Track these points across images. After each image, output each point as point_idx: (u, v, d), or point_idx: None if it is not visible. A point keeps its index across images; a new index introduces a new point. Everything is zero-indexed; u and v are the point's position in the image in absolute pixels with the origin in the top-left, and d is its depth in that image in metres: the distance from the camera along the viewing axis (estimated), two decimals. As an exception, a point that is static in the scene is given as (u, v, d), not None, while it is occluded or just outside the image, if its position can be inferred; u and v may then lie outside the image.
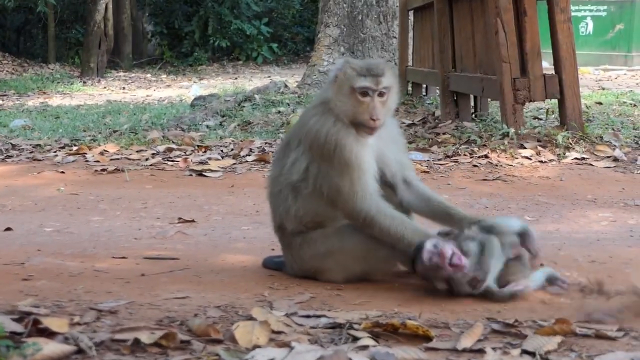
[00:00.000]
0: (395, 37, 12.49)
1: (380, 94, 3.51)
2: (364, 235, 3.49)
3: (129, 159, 7.45)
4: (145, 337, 2.67)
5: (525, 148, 7.11)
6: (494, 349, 2.68)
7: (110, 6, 21.66)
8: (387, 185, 3.65)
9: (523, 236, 3.51)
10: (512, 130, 7.24)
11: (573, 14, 20.52)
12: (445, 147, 7.44)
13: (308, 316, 3.00)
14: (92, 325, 2.87)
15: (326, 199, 3.52)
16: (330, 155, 3.47)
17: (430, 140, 7.81)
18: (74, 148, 7.89)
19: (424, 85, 11.68)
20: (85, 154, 7.60)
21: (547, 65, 7.65)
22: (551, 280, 3.51)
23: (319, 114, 3.55)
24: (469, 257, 3.32)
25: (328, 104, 3.55)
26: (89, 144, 8.10)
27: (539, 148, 7.12)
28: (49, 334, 2.67)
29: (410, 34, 12.29)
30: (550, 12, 7.45)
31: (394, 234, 3.42)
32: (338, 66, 3.58)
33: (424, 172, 6.72)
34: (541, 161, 6.90)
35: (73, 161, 7.38)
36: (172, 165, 7.18)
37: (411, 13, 12.17)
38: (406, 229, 3.43)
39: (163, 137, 8.54)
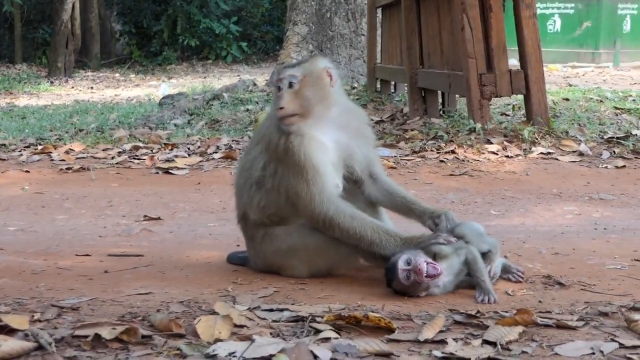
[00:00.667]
0: (363, 35, 12.52)
1: (290, 85, 3.50)
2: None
3: (95, 158, 7.41)
4: (106, 333, 2.66)
5: (491, 143, 7.15)
6: (455, 339, 2.70)
7: (77, 5, 21.51)
8: (354, 180, 3.65)
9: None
10: (478, 125, 7.28)
11: (541, 11, 20.79)
12: (412, 142, 7.46)
13: (271, 310, 3.01)
14: (52, 322, 2.86)
15: (285, 199, 3.52)
16: (283, 157, 3.47)
17: (398, 136, 7.83)
18: (40, 147, 7.83)
19: (393, 82, 11.69)
20: (51, 153, 7.55)
21: (515, 62, 7.69)
22: (506, 270, 3.54)
23: (273, 117, 3.56)
24: (442, 258, 3.33)
25: None
26: (55, 143, 8.04)
27: (506, 143, 7.16)
28: (8, 331, 2.66)
29: (379, 32, 12.30)
30: (515, 8, 7.50)
31: (354, 234, 3.42)
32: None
33: (391, 167, 6.73)
34: (507, 156, 6.94)
35: (38, 160, 7.32)
36: (138, 164, 7.15)
37: (379, 10, 12.18)
38: (367, 228, 3.42)
39: (130, 135, 8.50)
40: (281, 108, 3.47)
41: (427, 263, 3.24)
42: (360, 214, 3.47)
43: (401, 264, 3.27)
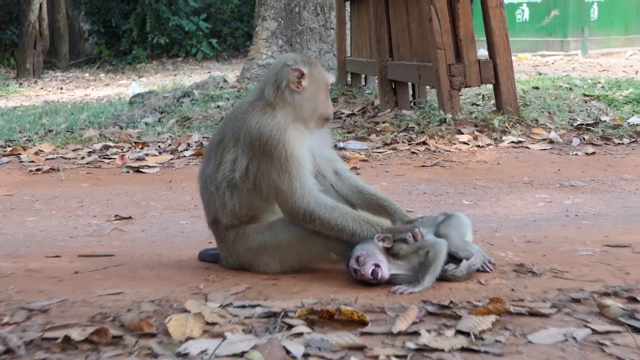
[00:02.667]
0: (332, 29, 12.49)
1: None
2: (296, 228, 3.48)
3: (65, 158, 7.35)
4: (76, 334, 2.63)
5: (462, 133, 7.16)
6: (428, 330, 2.68)
7: (45, 6, 21.36)
8: (322, 176, 3.64)
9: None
10: (449, 116, 7.28)
11: (509, 1, 20.82)
12: (383, 135, 7.46)
13: (243, 306, 2.98)
14: (22, 324, 2.82)
15: (265, 196, 3.50)
16: (271, 153, 3.44)
17: (369, 129, 7.83)
18: (9, 149, 7.76)
19: (363, 75, 11.70)
20: (20, 154, 7.49)
21: (484, 52, 7.71)
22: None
23: (259, 113, 3.51)
24: (401, 257, 3.32)
25: (271, 103, 3.53)
26: (24, 145, 7.98)
27: (476, 133, 7.17)
28: (-24, 335, 2.62)
29: (348, 25, 12.30)
30: (482, -2, 7.52)
31: (336, 225, 3.40)
32: (298, 65, 3.55)
33: (363, 160, 6.72)
34: (478, 146, 6.95)
35: (7, 162, 7.26)
36: (108, 163, 7.10)
37: (348, 4, 12.17)
38: (348, 218, 3.41)
39: (100, 135, 8.45)
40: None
41: (374, 266, 3.23)
42: (341, 205, 3.47)
43: (352, 262, 3.29)
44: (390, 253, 3.34)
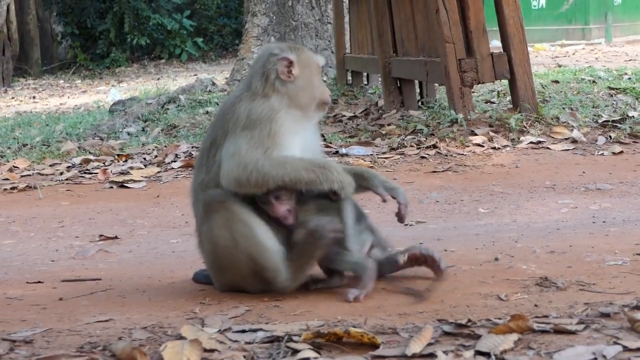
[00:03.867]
0: (330, 23, 12.56)
1: None
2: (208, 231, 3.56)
3: (42, 175, 7.40)
4: (63, 367, 2.67)
5: (476, 134, 7.20)
6: (445, 352, 2.73)
7: (12, 7, 21.43)
8: None
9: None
10: (460, 116, 7.32)
11: (523, -13, 20.83)
12: (390, 139, 7.50)
13: (243, 331, 3.02)
14: (4, 357, 2.86)
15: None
16: (253, 127, 3.49)
17: (374, 132, 7.88)
18: (-21, 167, 7.81)
19: (365, 74, 11.74)
20: (-8, 172, 7.54)
21: (498, 44, 7.76)
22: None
23: (249, 101, 3.58)
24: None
25: (262, 93, 3.59)
26: (-4, 161, 8.02)
27: (491, 134, 7.22)
28: (-44, 370, 2.66)
29: (346, 19, 12.35)
30: (493, -15, 7.56)
31: (290, 180, 3.46)
32: (284, 53, 3.63)
33: (368, 167, 6.76)
34: (494, 148, 7.00)
35: (-21, 181, 7.30)
36: (90, 178, 7.15)
37: (346, -5, 12.23)
38: (299, 169, 3.47)
39: (79, 148, 8.50)
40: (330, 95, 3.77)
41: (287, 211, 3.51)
42: (291, 157, 3.51)
43: (272, 196, 3.51)
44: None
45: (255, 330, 3.01)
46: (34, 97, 18.21)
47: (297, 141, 3.60)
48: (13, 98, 18.39)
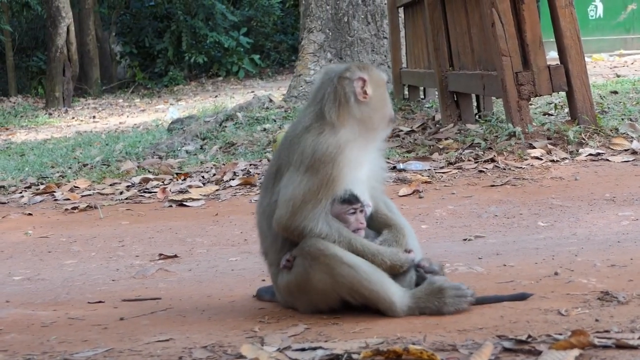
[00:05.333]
0: (385, 38, 12.56)
1: None
2: (302, 269, 3.52)
3: (102, 194, 7.49)
4: (125, 386, 2.70)
5: (534, 147, 7.15)
6: (505, 368, 2.72)
7: (72, 28, 21.72)
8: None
9: None
10: (518, 129, 7.28)
11: (580, -3, 20.69)
12: (447, 153, 7.48)
13: (303, 349, 3.03)
14: (67, 378, 2.90)
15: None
16: (317, 169, 3.48)
17: (431, 147, 7.86)
18: (41, 187, 7.93)
19: (422, 88, 11.73)
20: (54, 192, 7.65)
21: (555, 56, 7.71)
22: None
23: (316, 133, 3.55)
24: None
25: (333, 123, 3.56)
26: (58, 181, 8.14)
27: (550, 146, 7.16)
28: (20, 391, 2.70)
29: (402, 33, 12.35)
30: (549, -3, 7.52)
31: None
32: (358, 73, 3.61)
33: (426, 182, 6.76)
34: (553, 160, 6.95)
35: (41, 201, 7.41)
36: (149, 197, 7.22)
37: (401, 10, 12.23)
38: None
39: (138, 167, 8.59)
40: None
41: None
42: (343, 231, 3.52)
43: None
44: None
45: (314, 349, 3.02)
46: (93, 117, 18.44)
47: (362, 172, 3.61)
48: (73, 118, 18.63)
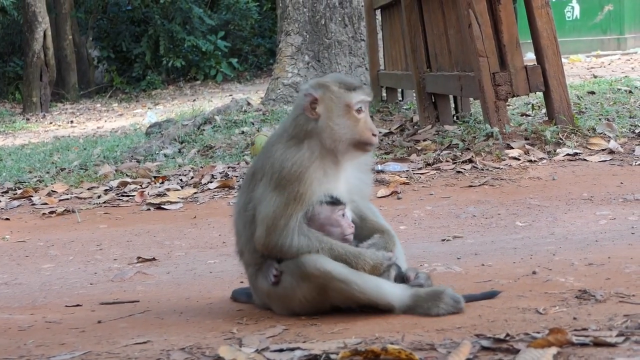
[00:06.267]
0: (363, 40, 12.57)
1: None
2: (289, 277, 3.52)
3: (80, 198, 7.46)
4: (102, 389, 2.69)
5: (512, 148, 7.17)
6: (484, 367, 2.72)
7: (49, 33, 21.66)
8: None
9: None
10: (496, 129, 7.30)
11: (557, -2, 20.78)
12: (425, 154, 7.49)
13: (281, 350, 3.03)
14: (44, 381, 2.89)
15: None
16: (284, 187, 3.49)
17: (409, 148, 7.87)
18: (19, 191, 7.89)
19: (399, 90, 11.75)
20: (32, 196, 7.61)
21: (532, 57, 7.73)
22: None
23: (284, 146, 3.55)
24: None
25: (296, 136, 3.56)
26: (35, 186, 8.10)
27: (527, 147, 7.18)
28: (-4, 395, 2.69)
29: (380, 35, 12.36)
30: (526, -3, 7.55)
31: None
32: (310, 90, 3.57)
33: (404, 183, 6.76)
34: (530, 160, 6.96)
35: (18, 206, 7.37)
36: (127, 201, 7.19)
37: (378, 12, 12.24)
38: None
39: (116, 171, 8.55)
40: (377, 134, 3.59)
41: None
42: (322, 239, 3.51)
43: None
44: None
45: (292, 349, 3.02)
46: (71, 122, 18.38)
47: (338, 186, 3.59)
48: (51, 123, 18.57)
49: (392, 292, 3.46)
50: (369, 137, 3.57)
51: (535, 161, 6.96)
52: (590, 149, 7.20)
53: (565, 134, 7.36)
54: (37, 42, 21.11)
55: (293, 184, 3.48)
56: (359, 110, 3.57)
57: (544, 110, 8.40)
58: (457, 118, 8.95)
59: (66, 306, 4.16)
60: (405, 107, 10.94)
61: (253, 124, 10.66)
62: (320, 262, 3.44)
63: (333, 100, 3.56)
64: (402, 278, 3.57)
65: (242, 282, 4.23)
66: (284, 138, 3.59)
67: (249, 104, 12.19)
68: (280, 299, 3.57)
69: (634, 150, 7.14)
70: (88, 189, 7.77)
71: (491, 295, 3.61)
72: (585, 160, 6.97)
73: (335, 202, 3.54)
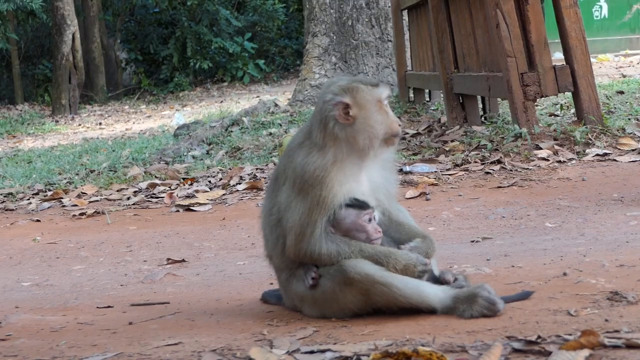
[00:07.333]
0: (390, 41, 12.56)
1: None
2: (328, 281, 3.51)
3: (110, 200, 7.49)
4: (135, 391, 2.69)
5: (541, 148, 7.14)
6: (515, 369, 2.71)
7: (77, 36, 21.75)
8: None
9: None
10: (524, 130, 7.27)
11: (584, -2, 20.70)
12: (453, 155, 7.47)
13: (312, 352, 3.03)
14: (77, 382, 2.90)
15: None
16: (307, 192, 3.50)
17: (438, 149, 7.85)
18: (49, 193, 7.94)
19: (427, 90, 11.72)
20: (62, 198, 7.65)
21: (560, 56, 7.69)
22: None
23: (306, 152, 3.56)
24: None
25: (320, 144, 3.56)
26: (65, 188, 8.15)
27: (556, 147, 7.15)
28: (30, 396, 2.70)
29: (407, 36, 12.34)
30: (554, -3, 7.52)
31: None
32: (337, 98, 3.55)
33: (433, 184, 6.75)
34: (560, 161, 6.93)
35: (49, 207, 7.42)
36: (156, 202, 7.22)
37: (405, 13, 12.22)
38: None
39: (145, 172, 8.59)
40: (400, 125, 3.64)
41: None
42: (351, 243, 3.52)
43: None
44: None
45: (323, 351, 3.02)
46: (100, 124, 18.46)
47: (362, 187, 3.59)
48: (80, 125, 18.65)
49: (434, 294, 3.45)
50: (397, 128, 3.62)
51: (564, 162, 6.93)
52: (619, 149, 7.16)
53: (595, 134, 7.33)
54: (66, 44, 21.22)
55: (315, 188, 3.49)
56: (385, 105, 3.61)
57: (572, 111, 8.37)
58: (485, 119, 8.92)
59: (97, 307, 4.17)
60: (432, 108, 10.91)
61: (281, 125, 10.68)
62: (360, 266, 3.44)
63: (367, 100, 3.57)
64: (434, 282, 3.55)
65: (271, 284, 4.23)
66: (306, 147, 3.58)
67: (276, 105, 12.21)
68: (317, 303, 3.56)
69: (663, 151, 7.09)
70: (117, 191, 7.80)
71: (525, 296, 3.59)
72: (615, 160, 6.93)
73: (361, 205, 3.53)
